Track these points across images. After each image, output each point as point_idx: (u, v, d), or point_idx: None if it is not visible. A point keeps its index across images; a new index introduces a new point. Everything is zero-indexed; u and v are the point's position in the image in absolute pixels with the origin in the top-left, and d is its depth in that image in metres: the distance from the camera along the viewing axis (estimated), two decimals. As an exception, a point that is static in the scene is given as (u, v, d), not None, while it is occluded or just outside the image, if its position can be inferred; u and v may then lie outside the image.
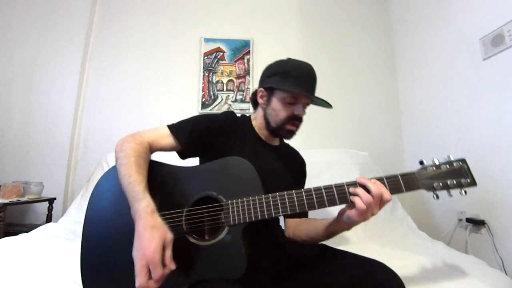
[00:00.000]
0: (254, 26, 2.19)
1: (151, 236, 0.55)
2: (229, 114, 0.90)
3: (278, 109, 0.83)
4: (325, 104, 0.85)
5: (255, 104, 0.93)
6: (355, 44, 2.21)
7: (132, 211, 0.61)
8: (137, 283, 0.52)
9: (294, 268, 0.73)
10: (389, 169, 1.59)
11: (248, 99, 2.08)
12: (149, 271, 0.53)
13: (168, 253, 0.56)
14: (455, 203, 1.52)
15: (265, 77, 0.87)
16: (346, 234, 1.20)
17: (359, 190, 0.62)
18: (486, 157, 1.33)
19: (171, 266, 0.55)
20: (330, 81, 2.11)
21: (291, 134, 0.86)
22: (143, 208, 0.59)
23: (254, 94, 0.92)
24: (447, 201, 1.57)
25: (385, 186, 0.63)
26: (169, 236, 0.58)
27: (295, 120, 0.84)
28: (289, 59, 0.87)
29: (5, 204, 1.49)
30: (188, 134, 0.81)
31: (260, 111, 0.90)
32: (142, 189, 0.63)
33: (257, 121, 0.91)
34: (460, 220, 1.48)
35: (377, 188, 0.61)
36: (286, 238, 0.88)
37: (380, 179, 0.64)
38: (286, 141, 1.00)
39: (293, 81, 0.80)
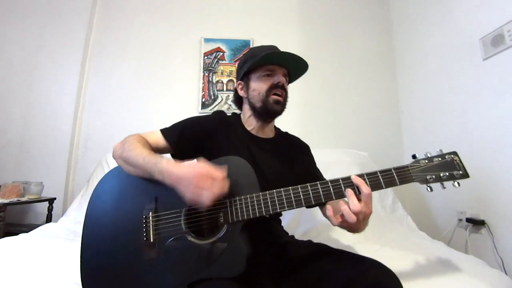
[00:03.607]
0: (254, 26, 2.19)
1: (188, 168, 0.62)
2: (219, 113, 0.91)
3: (257, 86, 0.85)
4: (300, 67, 0.86)
5: (240, 102, 0.94)
6: (355, 44, 2.21)
7: (158, 175, 0.65)
8: (210, 196, 0.59)
9: (293, 268, 0.73)
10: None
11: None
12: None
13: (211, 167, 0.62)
14: (455, 203, 1.52)
15: (238, 70, 0.92)
16: (346, 234, 1.19)
17: (344, 209, 0.61)
18: (486, 157, 1.33)
19: (221, 173, 0.62)
20: (330, 81, 2.11)
21: (278, 104, 0.84)
22: (166, 163, 0.65)
23: (236, 92, 0.93)
24: (447, 201, 1.58)
25: (380, 179, 0.64)
26: (200, 159, 0.64)
27: (277, 89, 0.84)
28: (252, 47, 0.91)
29: (5, 204, 1.49)
30: (178, 136, 0.82)
31: (245, 104, 0.91)
32: (157, 156, 0.69)
33: (246, 116, 0.91)
34: (460, 220, 1.48)
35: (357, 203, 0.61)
36: (286, 238, 0.88)
37: (374, 173, 0.65)
38: (284, 130, 0.99)
39: (262, 56, 0.82)
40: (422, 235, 1.26)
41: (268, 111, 0.85)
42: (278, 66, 0.85)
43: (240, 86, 0.90)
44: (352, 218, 0.60)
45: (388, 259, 0.67)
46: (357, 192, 0.63)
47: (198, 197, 0.60)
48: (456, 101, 1.56)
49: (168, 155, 0.85)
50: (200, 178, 0.60)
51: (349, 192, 0.62)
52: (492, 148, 1.32)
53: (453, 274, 0.81)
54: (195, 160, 0.64)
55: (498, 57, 1.30)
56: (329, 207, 0.66)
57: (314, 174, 0.92)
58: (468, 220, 1.41)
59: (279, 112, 0.86)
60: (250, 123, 0.89)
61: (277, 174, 0.81)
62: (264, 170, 0.78)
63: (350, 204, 0.61)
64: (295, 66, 0.87)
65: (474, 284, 0.75)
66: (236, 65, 2.08)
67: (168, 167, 0.64)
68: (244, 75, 0.88)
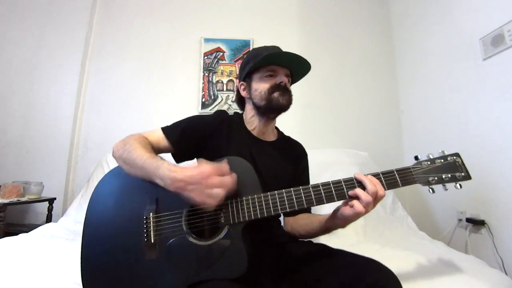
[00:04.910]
0: (254, 26, 2.19)
1: (192, 171, 0.59)
2: (221, 113, 0.91)
3: (259, 86, 0.85)
4: (302, 68, 0.86)
5: (242, 103, 0.94)
6: (355, 44, 2.21)
7: (158, 181, 0.64)
8: (222, 193, 0.58)
9: (293, 268, 0.73)
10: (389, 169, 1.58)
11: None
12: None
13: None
14: (455, 203, 1.52)
15: (240, 71, 0.92)
16: (346, 234, 1.20)
17: (360, 192, 0.62)
18: (486, 157, 1.33)
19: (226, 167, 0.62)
20: (330, 81, 2.11)
21: (284, 97, 0.83)
22: (167, 168, 0.62)
23: (238, 93, 0.93)
24: (447, 201, 1.59)
25: (382, 181, 0.64)
26: (200, 160, 0.64)
27: (279, 89, 0.84)
28: (254, 48, 0.92)
29: (5, 204, 1.49)
30: (179, 135, 0.82)
31: (247, 105, 0.91)
32: (158, 159, 0.67)
33: (248, 116, 0.91)
34: (460, 220, 1.48)
35: (373, 186, 0.62)
36: (287, 238, 0.88)
37: (376, 175, 0.65)
38: (286, 134, 1.00)
39: (263, 56, 0.82)
40: (422, 235, 1.26)
41: (273, 106, 0.83)
42: (280, 67, 0.85)
43: (242, 87, 0.90)
44: (368, 198, 0.60)
45: (388, 259, 0.67)
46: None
47: (209, 197, 0.59)
48: (456, 101, 1.56)
49: (169, 155, 0.85)
50: (208, 178, 0.59)
51: (356, 190, 0.63)
52: (492, 148, 1.32)
53: (453, 274, 0.81)
54: (194, 161, 0.64)
55: (498, 57, 1.30)
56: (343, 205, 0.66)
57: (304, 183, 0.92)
58: (468, 220, 1.41)
59: (285, 107, 0.84)
60: (252, 123, 0.89)
61: (277, 178, 0.81)
62: (263, 174, 0.78)
63: (367, 186, 0.62)
64: (297, 67, 0.87)
65: (474, 284, 0.75)
66: (237, 65, 2.12)
67: (170, 173, 0.61)
68: (246, 75, 0.88)
